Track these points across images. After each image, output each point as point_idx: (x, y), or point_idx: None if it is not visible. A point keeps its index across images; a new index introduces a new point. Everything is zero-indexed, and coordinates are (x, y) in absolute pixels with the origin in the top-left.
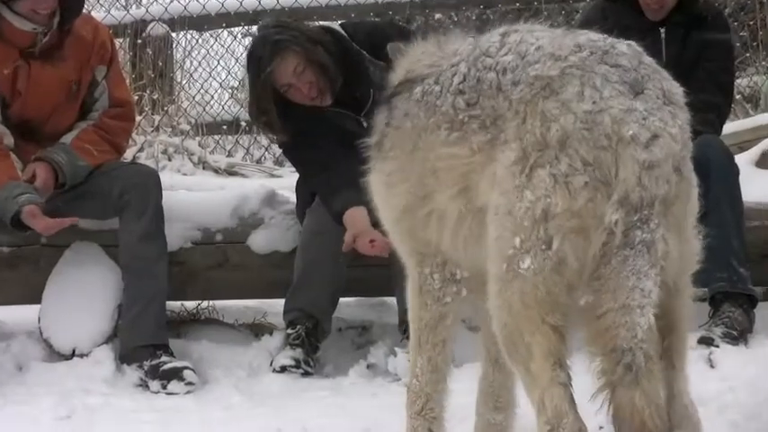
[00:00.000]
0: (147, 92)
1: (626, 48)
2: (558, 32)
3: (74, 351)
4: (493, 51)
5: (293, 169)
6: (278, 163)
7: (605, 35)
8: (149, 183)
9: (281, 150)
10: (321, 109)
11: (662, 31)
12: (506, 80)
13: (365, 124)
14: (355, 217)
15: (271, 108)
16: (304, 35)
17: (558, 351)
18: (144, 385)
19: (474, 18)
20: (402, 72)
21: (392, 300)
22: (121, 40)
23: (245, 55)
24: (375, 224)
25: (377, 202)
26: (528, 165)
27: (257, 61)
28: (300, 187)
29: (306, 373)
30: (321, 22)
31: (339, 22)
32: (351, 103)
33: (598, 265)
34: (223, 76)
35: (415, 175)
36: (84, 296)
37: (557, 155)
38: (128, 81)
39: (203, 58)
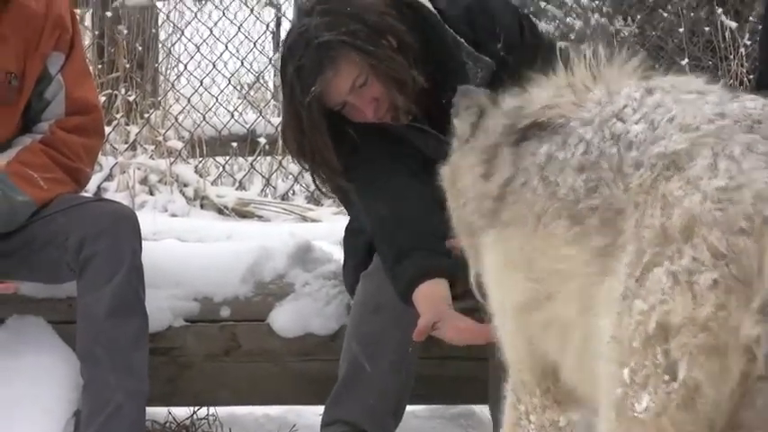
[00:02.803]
0: (121, 91)
1: None
2: (708, 98)
3: None
4: (628, 113)
5: (338, 209)
6: (314, 200)
7: None
8: (122, 229)
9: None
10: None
11: None
12: (629, 159)
13: None
14: (432, 295)
15: (324, 142)
16: (365, 26)
17: None
18: None
19: None
20: (540, 102)
21: (483, 409)
22: (81, 11)
23: (267, 37)
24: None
25: (489, 279)
26: (641, 266)
27: (296, 74)
28: (351, 237)
29: None
30: None
31: None
32: (433, 113)
33: (737, 408)
34: (232, 68)
35: (536, 267)
36: (22, 398)
37: (679, 248)
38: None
39: (203, 39)
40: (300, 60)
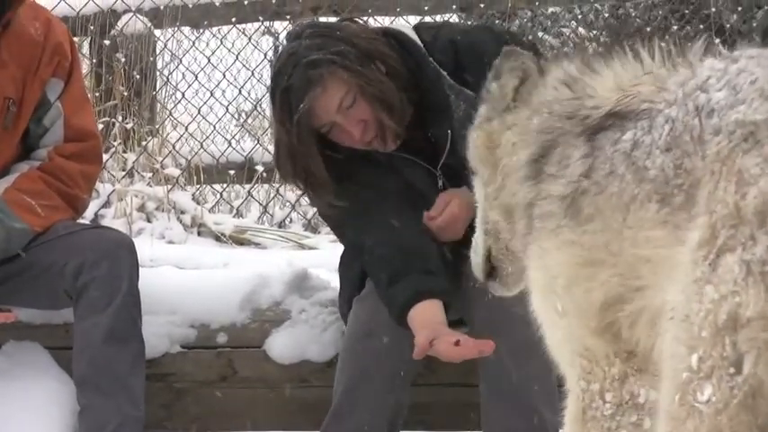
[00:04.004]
0: (119, 118)
1: None
2: None
3: None
4: (712, 84)
5: (334, 237)
6: (311, 228)
7: None
8: (119, 256)
9: (315, 209)
10: (377, 151)
11: None
12: (709, 127)
13: (441, 182)
14: (427, 314)
15: (314, 159)
16: (354, 49)
17: None
18: None
19: (607, 15)
20: (614, 92)
21: None
22: (79, 39)
23: (265, 66)
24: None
25: (556, 283)
26: (715, 248)
27: (285, 92)
28: (345, 267)
29: None
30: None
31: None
32: (419, 146)
33: None
34: (230, 96)
35: (625, 261)
36: (20, 423)
37: (752, 233)
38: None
39: (201, 67)
40: (289, 80)
